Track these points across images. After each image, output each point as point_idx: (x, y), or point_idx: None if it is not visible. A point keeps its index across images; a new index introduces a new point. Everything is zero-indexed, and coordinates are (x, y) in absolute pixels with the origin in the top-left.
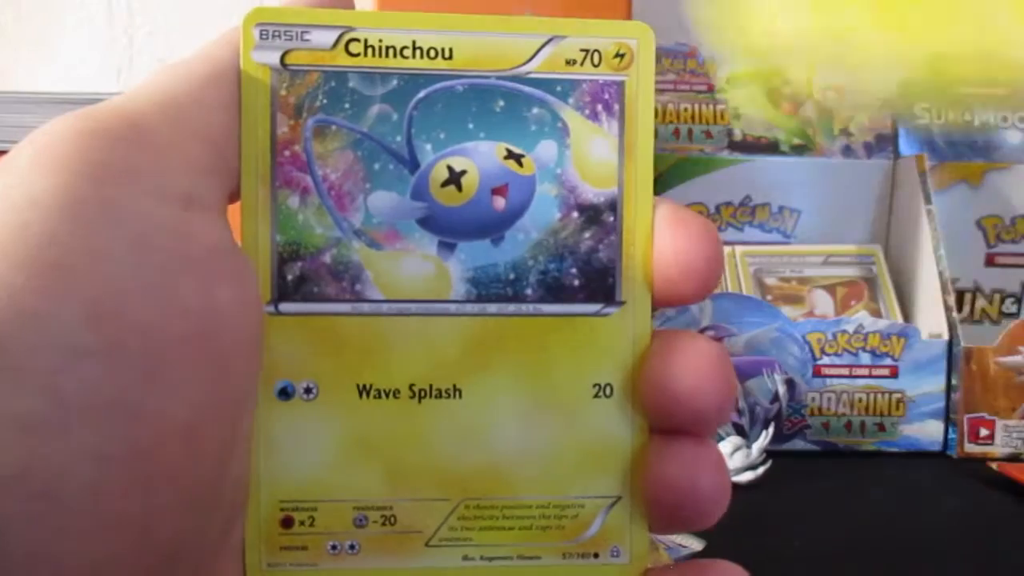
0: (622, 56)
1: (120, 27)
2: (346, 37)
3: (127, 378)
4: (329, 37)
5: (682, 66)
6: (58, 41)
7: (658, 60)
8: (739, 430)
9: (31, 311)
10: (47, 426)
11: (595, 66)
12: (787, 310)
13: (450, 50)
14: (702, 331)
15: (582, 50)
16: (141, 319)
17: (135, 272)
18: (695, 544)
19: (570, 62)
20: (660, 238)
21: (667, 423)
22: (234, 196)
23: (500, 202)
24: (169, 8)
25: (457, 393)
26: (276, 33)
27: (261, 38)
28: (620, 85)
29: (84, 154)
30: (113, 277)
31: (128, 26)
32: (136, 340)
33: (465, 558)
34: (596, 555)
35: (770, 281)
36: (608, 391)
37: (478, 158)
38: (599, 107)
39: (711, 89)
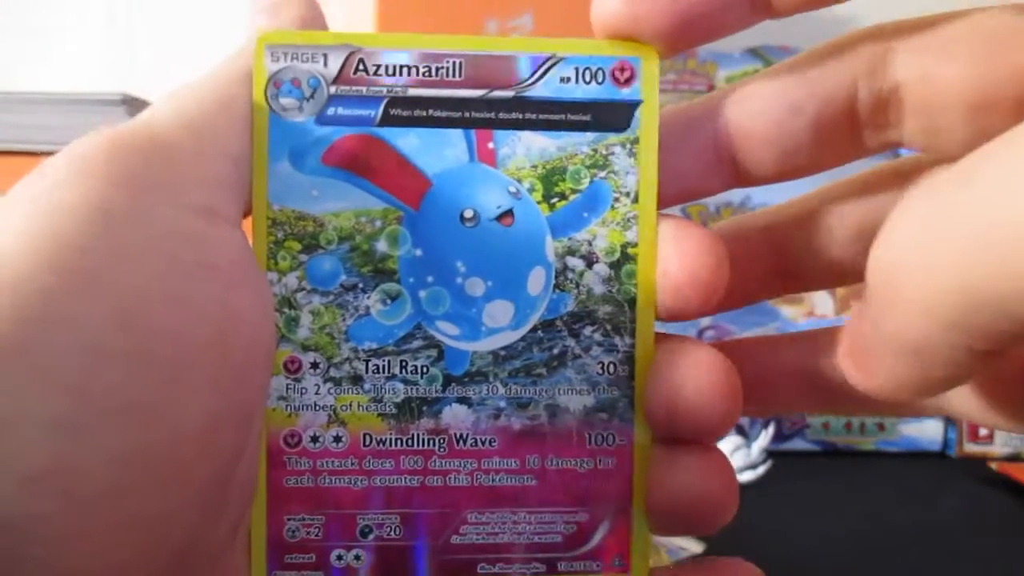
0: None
1: (120, 27)
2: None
3: (149, 381)
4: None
5: (682, 66)
6: (59, 41)
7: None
8: (739, 430)
9: (63, 313)
10: (73, 427)
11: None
12: (787, 310)
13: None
14: (702, 331)
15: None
16: (165, 325)
17: (161, 279)
18: (695, 546)
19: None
20: (665, 249)
21: (672, 434)
22: (248, 210)
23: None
24: (169, 8)
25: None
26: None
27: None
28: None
29: (116, 166)
30: (140, 284)
31: (128, 26)
32: (160, 345)
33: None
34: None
35: None
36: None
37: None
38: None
39: (711, 89)
